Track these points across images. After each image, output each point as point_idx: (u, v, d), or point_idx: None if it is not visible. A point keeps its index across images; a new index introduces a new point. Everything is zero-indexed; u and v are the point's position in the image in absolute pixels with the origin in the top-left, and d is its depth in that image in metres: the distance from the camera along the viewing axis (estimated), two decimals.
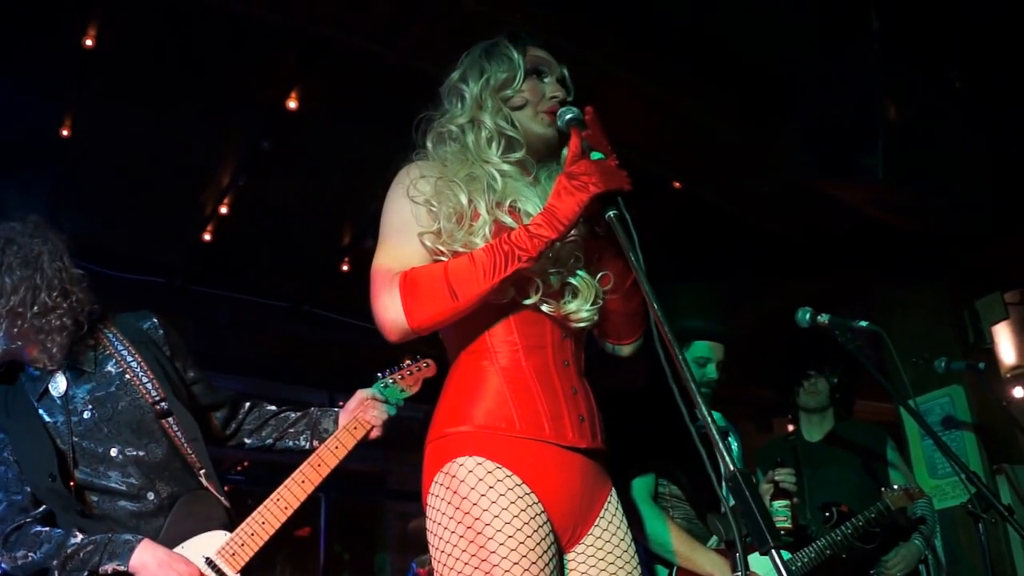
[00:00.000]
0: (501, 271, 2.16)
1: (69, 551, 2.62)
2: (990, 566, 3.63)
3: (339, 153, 5.70)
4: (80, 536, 2.66)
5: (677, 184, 5.54)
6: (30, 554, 2.65)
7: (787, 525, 3.76)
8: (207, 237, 6.46)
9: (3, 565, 2.71)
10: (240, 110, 5.35)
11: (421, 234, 2.29)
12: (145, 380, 2.88)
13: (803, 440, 5.06)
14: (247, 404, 3.25)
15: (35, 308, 2.73)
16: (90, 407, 2.82)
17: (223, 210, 6.20)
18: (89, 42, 4.59)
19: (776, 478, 3.87)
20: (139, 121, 5.33)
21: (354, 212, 6.42)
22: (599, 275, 2.40)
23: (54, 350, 2.78)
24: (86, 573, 2.62)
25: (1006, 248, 6.26)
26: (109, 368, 2.89)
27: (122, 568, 2.63)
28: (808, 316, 3.64)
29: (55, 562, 2.63)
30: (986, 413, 6.32)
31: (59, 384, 2.84)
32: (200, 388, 3.12)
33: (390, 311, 2.21)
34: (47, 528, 2.71)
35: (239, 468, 9.21)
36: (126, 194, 6.03)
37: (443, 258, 2.27)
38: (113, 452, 2.79)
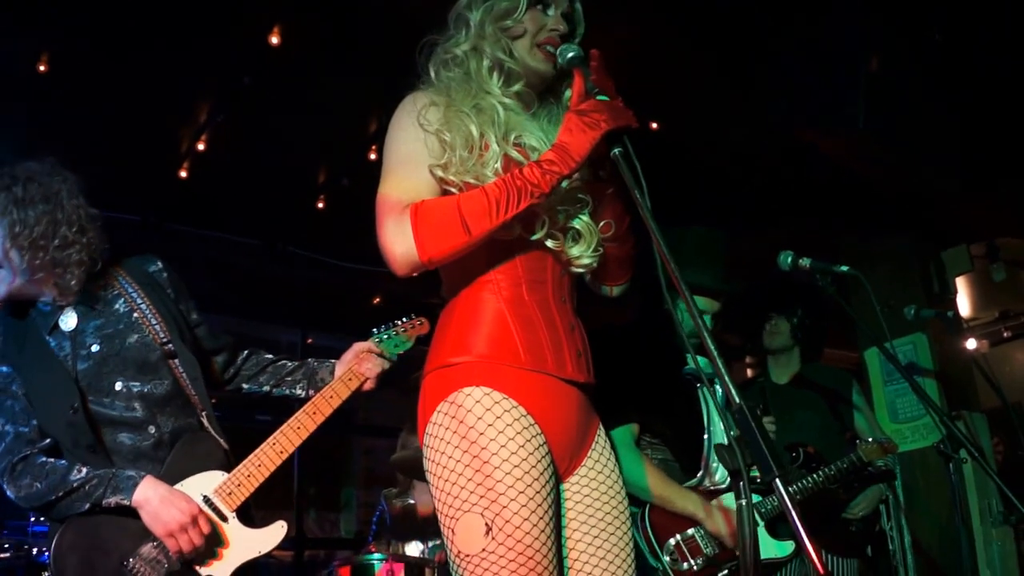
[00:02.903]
0: (514, 206, 2.14)
1: (73, 484, 2.66)
2: (958, 502, 3.70)
3: (319, 91, 5.62)
4: (84, 470, 2.69)
5: (654, 125, 5.54)
6: (35, 484, 2.68)
7: None
8: (183, 174, 6.35)
9: (8, 493, 2.74)
10: (221, 45, 5.24)
11: (431, 166, 2.25)
12: (154, 321, 2.93)
13: (771, 382, 5.12)
14: (245, 351, 3.32)
15: (56, 241, 2.78)
16: (98, 341, 2.85)
17: (200, 147, 6.10)
18: None
19: None
20: (117, 55, 5.21)
21: (331, 150, 6.37)
22: (601, 223, 2.40)
23: (72, 282, 2.82)
24: (88, 505, 2.66)
25: (973, 202, 6.32)
26: (118, 307, 2.94)
27: (125, 502, 2.66)
28: (790, 260, 3.66)
29: (60, 493, 2.66)
30: (947, 361, 6.43)
31: (69, 319, 2.87)
32: (203, 331, 3.17)
33: (400, 244, 2.17)
34: (52, 460, 2.73)
35: (213, 402, 9.18)
36: (102, 130, 5.89)
37: (452, 189, 2.25)
38: (118, 385, 2.83)
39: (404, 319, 3.35)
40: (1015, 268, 7.38)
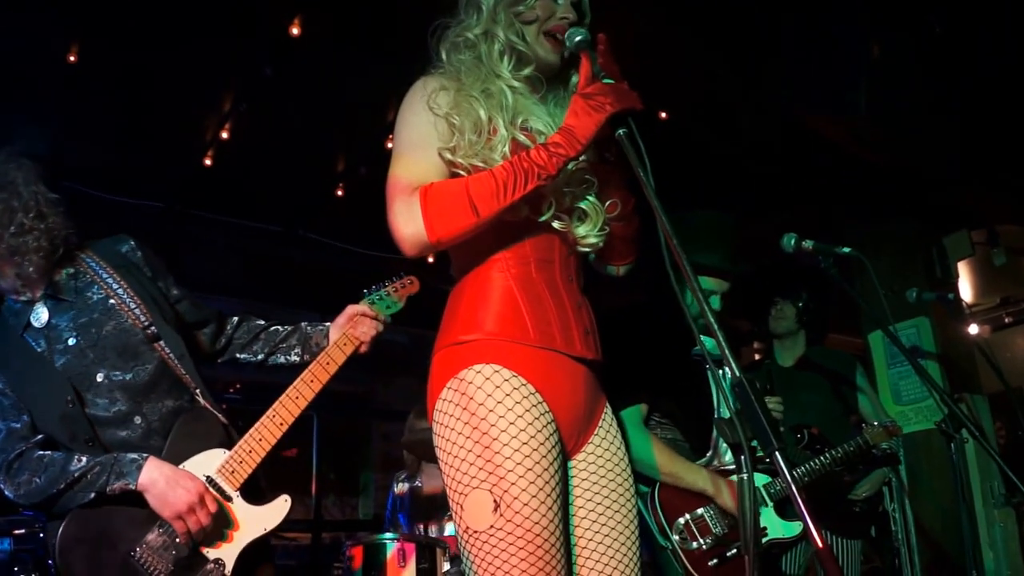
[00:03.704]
0: (521, 188, 2.13)
1: (75, 474, 2.56)
2: (960, 484, 3.68)
3: (338, 80, 5.62)
4: (84, 459, 2.59)
5: (663, 115, 5.53)
6: (34, 479, 2.58)
7: None
8: (207, 162, 6.37)
9: (7, 493, 2.64)
10: (244, 36, 5.24)
11: (440, 149, 2.24)
12: (132, 305, 2.82)
13: (776, 365, 5.09)
14: (235, 319, 3.19)
15: (12, 228, 2.69)
16: (74, 334, 2.75)
17: (224, 136, 6.11)
18: None
19: None
20: (144, 47, 5.21)
21: (349, 139, 6.37)
22: (607, 202, 2.38)
23: (30, 269, 2.72)
24: (93, 494, 2.57)
25: (973, 188, 6.29)
26: (91, 294, 2.82)
27: (131, 487, 2.58)
28: (793, 242, 3.63)
29: (61, 486, 2.56)
30: (949, 345, 6.40)
31: (41, 315, 2.76)
32: (185, 306, 3.05)
33: (409, 225, 2.16)
34: (49, 452, 2.64)
35: (231, 390, 9.20)
36: (129, 120, 5.93)
37: (460, 172, 2.24)
38: (99, 377, 2.73)
39: (395, 278, 3.27)
40: (1015, 255, 7.34)
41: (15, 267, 2.72)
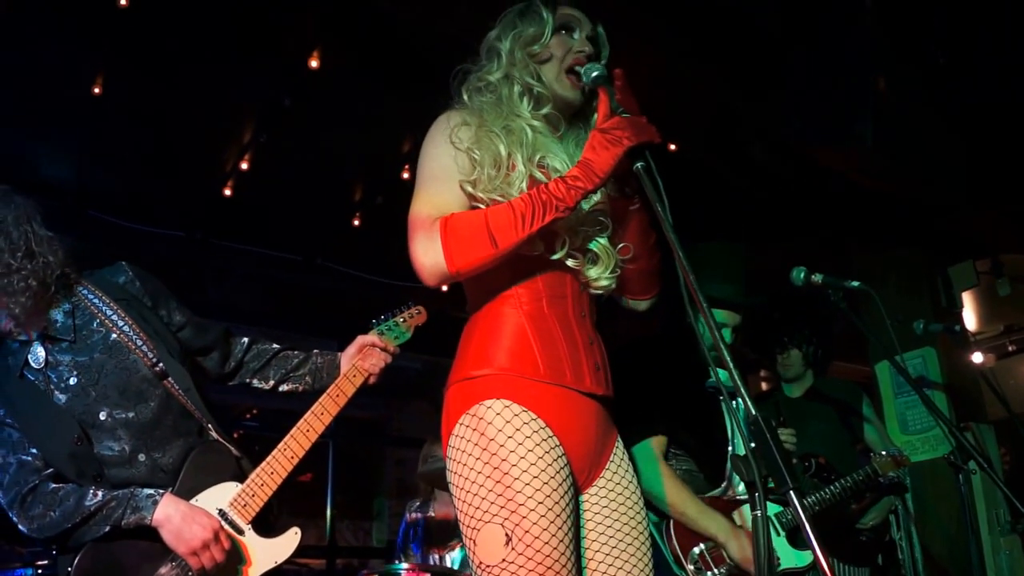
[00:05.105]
0: (539, 219, 2.12)
1: (91, 509, 2.52)
2: (967, 512, 3.65)
3: (357, 111, 5.63)
4: (100, 493, 2.55)
5: (672, 146, 5.52)
6: (49, 512, 2.53)
7: None
8: (228, 192, 6.36)
9: (20, 527, 2.58)
10: (264, 68, 5.27)
11: (462, 182, 2.24)
12: (139, 342, 2.74)
13: (785, 396, 5.07)
14: (244, 340, 3.12)
15: None
16: (75, 373, 2.67)
17: (244, 166, 6.11)
18: (123, 1, 4.50)
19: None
20: (167, 79, 5.24)
21: (366, 169, 6.39)
22: (620, 245, 2.38)
23: (17, 310, 2.62)
24: (108, 528, 2.53)
25: (978, 217, 6.27)
26: (91, 331, 2.74)
27: (146, 521, 2.54)
28: (802, 275, 3.64)
29: (76, 520, 2.51)
30: (955, 374, 6.36)
31: (38, 355, 2.68)
32: (189, 332, 2.97)
33: (429, 255, 2.15)
34: (63, 485, 2.58)
35: (248, 416, 9.17)
36: (151, 150, 5.94)
37: (480, 206, 2.23)
38: (102, 416, 2.66)
39: (403, 308, 3.26)
40: (1019, 284, 7.31)
41: (3, 308, 2.63)
